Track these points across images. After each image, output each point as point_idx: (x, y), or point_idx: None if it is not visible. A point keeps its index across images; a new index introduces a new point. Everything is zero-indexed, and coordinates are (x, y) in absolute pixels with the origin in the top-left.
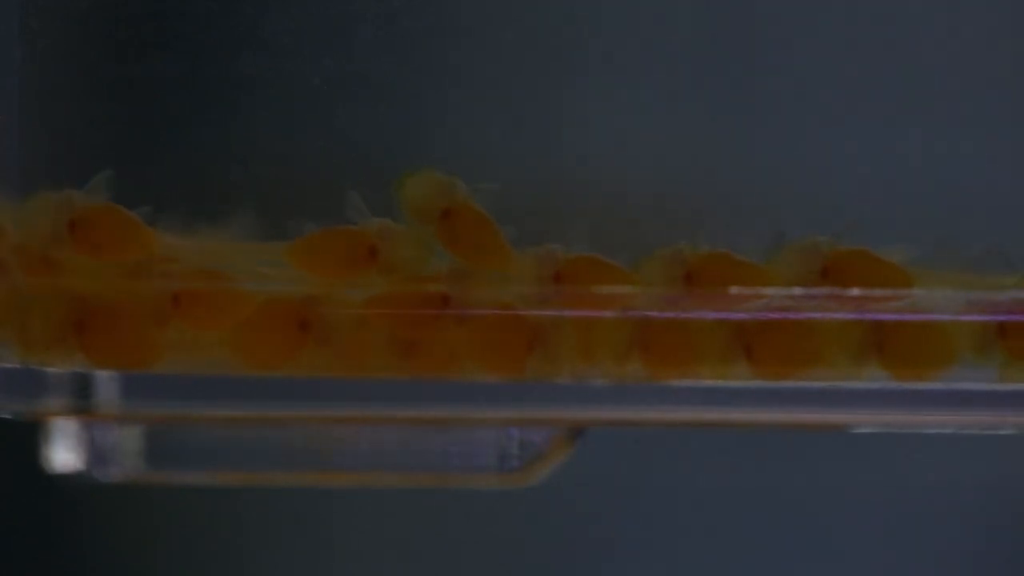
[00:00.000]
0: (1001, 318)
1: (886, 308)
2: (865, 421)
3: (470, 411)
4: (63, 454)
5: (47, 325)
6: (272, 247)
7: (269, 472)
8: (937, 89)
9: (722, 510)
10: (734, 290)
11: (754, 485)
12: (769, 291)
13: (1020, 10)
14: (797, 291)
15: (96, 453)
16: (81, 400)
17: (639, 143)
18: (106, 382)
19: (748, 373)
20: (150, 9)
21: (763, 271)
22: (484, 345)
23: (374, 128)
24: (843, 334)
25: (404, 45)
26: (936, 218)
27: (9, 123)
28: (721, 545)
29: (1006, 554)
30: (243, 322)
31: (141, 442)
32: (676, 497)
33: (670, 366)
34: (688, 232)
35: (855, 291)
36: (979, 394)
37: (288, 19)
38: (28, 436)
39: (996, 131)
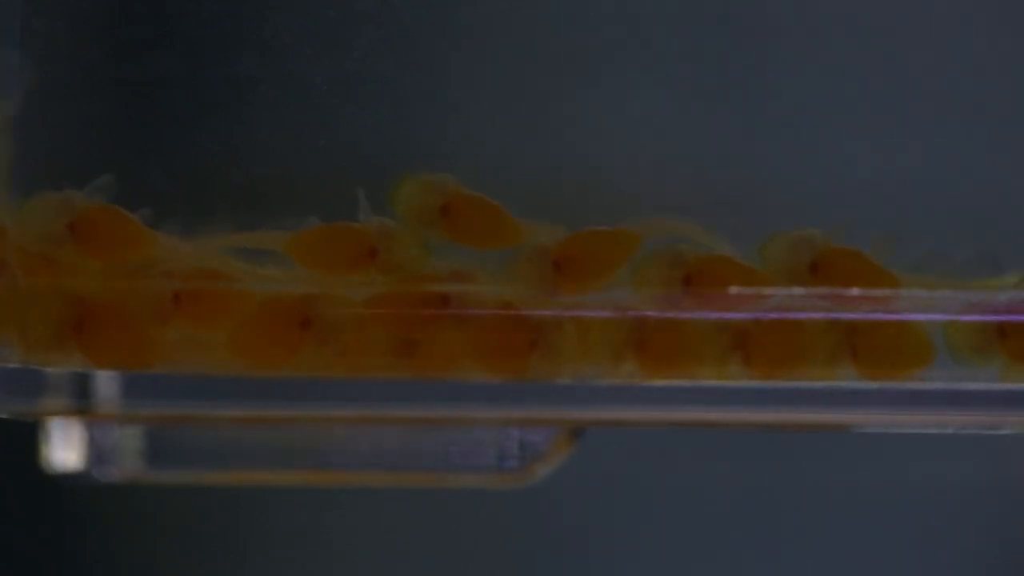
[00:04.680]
0: (1001, 318)
1: (880, 309)
2: (865, 421)
3: (470, 411)
4: (63, 454)
5: (47, 325)
6: (272, 236)
7: (269, 472)
8: (937, 89)
9: (723, 510)
10: (733, 290)
11: (755, 485)
12: (768, 291)
13: (1020, 9)
14: (797, 291)
15: (96, 453)
16: (81, 400)
17: (640, 144)
18: (106, 382)
19: (748, 373)
20: (150, 9)
21: (763, 274)
22: (484, 345)
23: (374, 128)
24: (840, 334)
25: (404, 45)
26: (936, 219)
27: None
28: (721, 545)
29: (1006, 554)
30: (243, 321)
31: (141, 442)
32: (676, 497)
33: (671, 366)
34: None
35: (854, 291)
36: (979, 394)
37: (288, 19)
38: (28, 436)
39: (996, 131)
